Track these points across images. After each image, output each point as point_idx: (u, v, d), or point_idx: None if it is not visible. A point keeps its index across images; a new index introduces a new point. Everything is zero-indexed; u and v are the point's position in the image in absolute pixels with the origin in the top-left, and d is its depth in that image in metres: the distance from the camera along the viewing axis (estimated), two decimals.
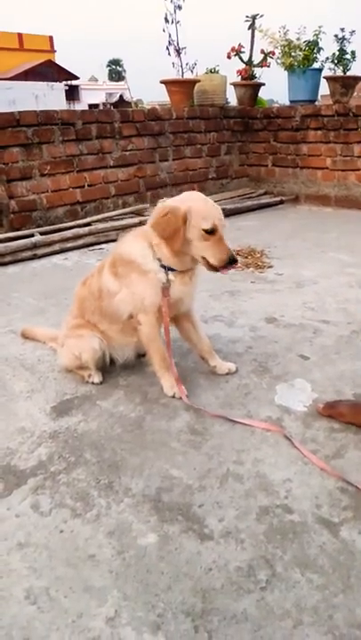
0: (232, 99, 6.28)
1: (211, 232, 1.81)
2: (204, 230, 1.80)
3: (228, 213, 5.38)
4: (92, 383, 2.15)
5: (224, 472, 1.62)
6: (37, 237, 4.15)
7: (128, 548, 1.34)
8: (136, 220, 4.69)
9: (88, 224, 4.52)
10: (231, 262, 1.86)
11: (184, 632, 1.12)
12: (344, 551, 1.31)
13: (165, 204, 1.89)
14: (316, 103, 5.94)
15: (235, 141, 6.17)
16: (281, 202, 5.95)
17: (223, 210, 5.45)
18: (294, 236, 4.61)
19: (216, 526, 1.40)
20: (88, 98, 26.84)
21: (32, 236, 4.18)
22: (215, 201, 6.20)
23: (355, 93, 5.78)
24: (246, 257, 4.01)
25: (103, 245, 4.37)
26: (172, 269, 1.93)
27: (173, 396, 2.03)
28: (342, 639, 1.10)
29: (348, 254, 4.01)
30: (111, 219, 4.72)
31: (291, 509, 1.45)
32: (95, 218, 4.63)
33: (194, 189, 5.78)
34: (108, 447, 1.76)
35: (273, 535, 1.36)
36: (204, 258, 1.87)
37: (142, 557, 1.31)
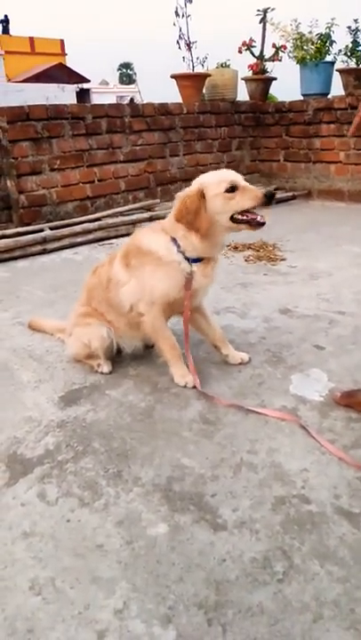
0: (243, 93, 6.21)
1: (232, 189, 1.77)
2: (225, 191, 1.76)
3: None
4: (102, 373, 2.10)
5: (238, 461, 1.55)
6: (47, 232, 4.11)
7: (137, 539, 1.28)
8: (146, 215, 4.64)
9: (98, 219, 4.48)
10: (269, 197, 1.77)
11: (197, 625, 1.06)
12: None
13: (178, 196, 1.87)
14: (329, 96, 5.84)
15: (246, 136, 6.10)
16: (293, 197, 5.87)
17: None
18: (307, 230, 4.53)
19: (230, 516, 1.34)
20: (99, 101, 26.91)
21: (42, 230, 4.14)
22: None
23: None
24: (258, 250, 3.94)
25: (113, 240, 4.32)
26: (195, 261, 1.88)
27: (185, 386, 1.96)
28: None
29: None
30: (121, 214, 4.67)
31: (308, 499, 1.38)
32: (105, 213, 4.59)
33: None
34: (118, 436, 1.70)
35: (290, 526, 1.29)
36: (238, 220, 1.81)
37: (152, 548, 1.25)
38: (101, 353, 2.08)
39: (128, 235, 4.40)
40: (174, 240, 1.87)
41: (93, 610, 1.10)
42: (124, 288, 1.98)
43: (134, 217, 4.57)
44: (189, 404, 1.87)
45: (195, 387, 1.94)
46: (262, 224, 1.83)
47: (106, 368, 2.11)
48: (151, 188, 5.23)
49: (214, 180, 1.80)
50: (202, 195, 1.77)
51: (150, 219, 4.60)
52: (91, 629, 1.06)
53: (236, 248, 4.01)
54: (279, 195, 5.85)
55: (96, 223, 4.35)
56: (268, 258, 3.74)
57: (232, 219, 1.81)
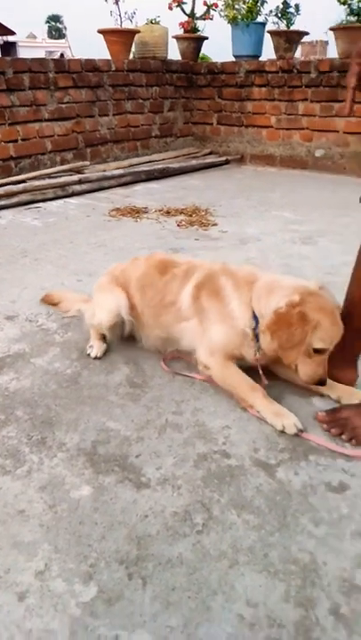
0: (175, 53, 6.05)
1: (319, 352, 1.53)
2: (315, 349, 1.51)
3: (173, 173, 5.27)
4: (89, 356, 1.93)
5: (163, 423, 1.58)
6: None
7: (60, 502, 1.28)
8: (75, 177, 4.48)
9: (23, 181, 4.27)
10: (321, 384, 1.58)
11: (117, 580, 1.08)
12: (280, 491, 1.30)
13: (293, 305, 1.50)
14: (261, 59, 5.81)
15: (178, 97, 5.99)
16: (226, 162, 5.87)
17: (168, 169, 5.30)
18: (239, 195, 4.57)
19: (153, 474, 1.36)
20: (26, 56, 25.28)
21: None
22: (160, 160, 6.02)
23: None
24: (190, 215, 3.94)
25: (40, 204, 4.16)
26: None
27: (283, 431, 1.51)
28: (277, 575, 1.09)
29: (291, 212, 4.02)
30: (48, 176, 4.48)
31: (228, 454, 1.43)
32: (31, 175, 4.38)
33: (136, 148, 5.63)
34: (42, 404, 1.68)
35: (210, 480, 1.34)
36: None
37: (75, 510, 1.26)
38: (105, 329, 1.89)
39: (56, 198, 4.26)
40: (256, 318, 1.62)
41: (14, 573, 1.10)
42: (184, 324, 1.77)
43: (62, 179, 4.40)
44: (117, 369, 1.87)
45: (300, 431, 1.51)
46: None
47: (96, 351, 1.92)
48: (80, 148, 5.04)
49: (329, 332, 1.50)
50: (311, 330, 1.48)
51: (80, 181, 4.45)
52: (11, 592, 1.06)
53: (168, 213, 3.99)
54: (212, 159, 5.84)
55: (20, 185, 4.15)
56: (200, 223, 3.75)
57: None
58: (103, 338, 1.97)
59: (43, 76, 4.57)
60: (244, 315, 1.64)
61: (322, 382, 1.56)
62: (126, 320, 1.90)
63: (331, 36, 5.23)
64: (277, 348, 1.54)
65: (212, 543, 1.16)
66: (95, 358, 1.93)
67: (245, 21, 5.55)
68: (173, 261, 1.90)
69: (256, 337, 1.64)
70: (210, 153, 6.14)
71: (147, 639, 0.97)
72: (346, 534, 1.18)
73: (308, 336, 1.48)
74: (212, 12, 5.84)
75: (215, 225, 3.71)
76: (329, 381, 1.68)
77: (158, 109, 5.79)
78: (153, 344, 1.93)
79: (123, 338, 1.98)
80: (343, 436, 1.47)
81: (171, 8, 5.81)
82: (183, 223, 3.74)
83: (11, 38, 25.61)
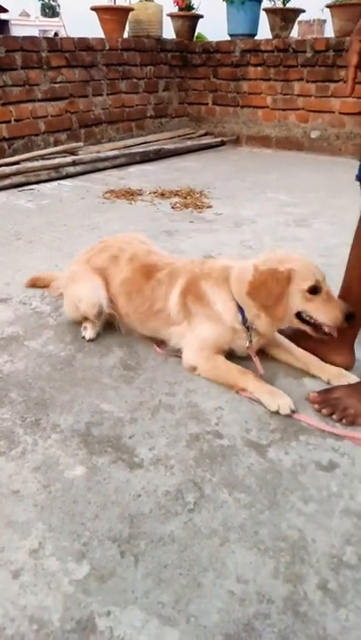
0: (169, 31, 5.94)
1: (315, 290, 1.55)
2: (308, 290, 1.54)
3: (168, 154, 5.22)
4: (84, 338, 1.94)
5: (156, 404, 1.59)
6: None
7: (54, 482, 1.30)
8: (69, 159, 4.43)
9: (16, 162, 4.22)
10: (348, 318, 1.54)
11: (110, 558, 1.10)
12: (271, 470, 1.32)
13: (258, 267, 1.59)
14: (256, 38, 5.72)
15: (173, 77, 5.90)
16: (222, 143, 5.81)
17: (162, 151, 5.25)
18: (234, 177, 4.53)
19: (146, 455, 1.38)
20: (19, 34, 24.76)
21: None
22: (154, 141, 5.96)
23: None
24: (185, 197, 3.91)
25: (34, 186, 4.12)
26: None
27: (278, 412, 1.52)
28: (267, 552, 1.11)
29: (286, 194, 4.00)
30: (42, 157, 4.43)
31: (221, 435, 1.45)
32: (24, 156, 4.33)
33: (131, 128, 5.56)
34: (36, 386, 1.68)
35: (202, 460, 1.36)
36: (303, 319, 1.61)
37: (69, 489, 1.27)
38: (93, 318, 1.91)
39: (50, 180, 4.22)
40: (241, 309, 1.65)
41: (8, 552, 1.11)
42: (174, 328, 1.79)
43: (56, 161, 4.35)
44: (111, 352, 1.88)
45: (292, 412, 1.52)
46: (328, 335, 1.60)
47: (90, 332, 1.94)
48: (74, 129, 4.98)
49: (304, 271, 1.55)
50: (289, 281, 1.54)
51: (74, 163, 4.41)
52: (5, 570, 1.07)
53: (162, 195, 3.96)
54: (207, 140, 5.78)
55: (14, 167, 4.10)
56: (195, 205, 3.72)
57: (298, 315, 1.61)
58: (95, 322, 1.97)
59: (35, 56, 4.49)
60: (229, 311, 1.68)
61: (348, 316, 1.53)
62: (105, 312, 1.92)
63: (328, 14, 5.14)
64: (262, 309, 1.59)
65: (204, 521, 1.18)
66: (89, 340, 1.93)
67: None
68: (155, 264, 1.89)
69: (247, 328, 1.67)
70: (205, 134, 6.08)
71: (138, 615, 0.99)
72: (335, 512, 1.20)
73: (286, 287, 1.54)
74: None
75: (210, 207, 3.68)
76: (320, 363, 1.70)
77: (153, 89, 5.71)
78: (130, 331, 1.96)
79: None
80: (334, 416, 1.48)
81: None
82: (178, 205, 3.71)
83: (3, 16, 25.05)
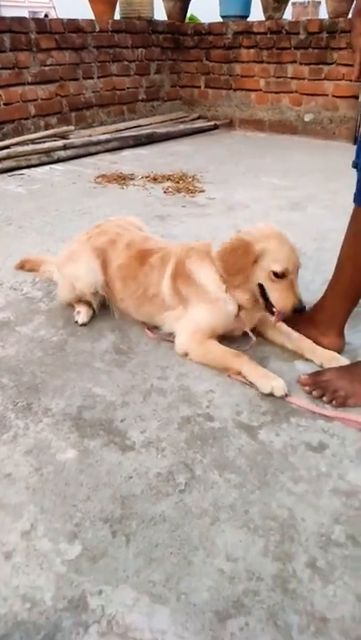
0: (161, 13, 5.84)
1: (281, 276, 1.57)
2: (273, 273, 1.56)
3: (161, 138, 5.17)
4: (77, 323, 1.94)
5: (148, 387, 1.59)
6: None
7: (46, 465, 1.30)
8: (60, 143, 4.38)
9: (6, 147, 4.17)
10: (297, 310, 1.58)
11: (102, 538, 1.11)
12: (262, 451, 1.33)
13: (240, 235, 1.65)
14: (249, 20, 5.63)
15: (165, 59, 5.82)
16: (215, 127, 5.76)
17: (155, 134, 5.18)
18: (227, 161, 4.50)
19: (138, 437, 1.39)
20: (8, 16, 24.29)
21: None
22: (147, 125, 5.91)
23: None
24: (178, 182, 3.88)
25: (25, 170, 4.07)
26: None
27: (271, 394, 1.53)
28: (257, 530, 1.13)
29: (280, 178, 3.98)
30: (32, 141, 4.37)
31: (212, 417, 1.45)
32: (14, 140, 4.27)
33: (123, 112, 5.50)
34: (27, 371, 1.68)
35: (194, 442, 1.37)
36: (263, 294, 1.64)
37: (61, 472, 1.28)
38: (89, 297, 1.93)
39: (41, 164, 4.18)
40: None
41: (0, 534, 1.12)
42: (169, 313, 1.80)
43: (47, 145, 4.30)
44: (103, 336, 1.87)
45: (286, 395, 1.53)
46: (273, 315, 1.64)
47: (83, 317, 1.94)
48: (64, 113, 4.91)
49: (275, 254, 1.56)
50: (256, 260, 1.57)
51: (65, 147, 4.36)
52: None
53: (155, 179, 3.93)
54: (200, 124, 5.73)
55: (4, 151, 4.05)
56: (187, 189, 3.70)
57: (260, 285, 1.62)
58: (89, 304, 1.97)
59: (24, 37, 4.41)
60: (212, 282, 1.70)
61: (297, 308, 1.58)
62: (100, 293, 1.94)
63: None
64: (224, 274, 1.65)
65: (194, 501, 1.19)
66: (82, 325, 1.93)
67: None
68: (149, 249, 1.89)
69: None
70: (198, 117, 6.02)
71: (130, 593, 1.01)
72: (324, 491, 1.22)
73: (251, 263, 1.57)
74: None
75: (203, 192, 3.66)
76: (312, 346, 1.70)
77: (144, 72, 5.63)
78: (123, 314, 1.97)
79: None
80: (324, 398, 1.49)
81: None
82: (170, 190, 3.69)
83: None
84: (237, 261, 1.60)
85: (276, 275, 1.56)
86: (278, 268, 1.55)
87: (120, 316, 1.96)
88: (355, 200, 1.56)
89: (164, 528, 1.13)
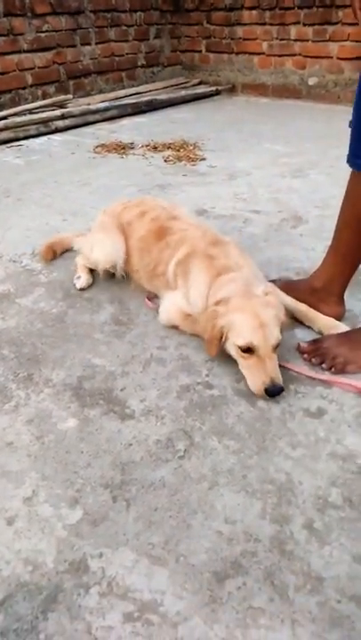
0: None
1: (247, 350, 1.41)
2: (239, 347, 1.42)
3: (161, 105, 5.05)
4: (74, 287, 1.99)
5: (147, 357, 1.60)
6: None
7: (47, 434, 1.32)
8: (58, 112, 4.30)
9: (3, 118, 4.09)
10: (269, 393, 1.37)
11: (102, 503, 1.13)
12: (260, 418, 1.34)
13: (216, 308, 1.48)
14: None
15: (165, 23, 5.64)
16: (217, 92, 5.62)
17: (155, 102, 5.04)
18: (229, 128, 4.40)
19: (137, 406, 1.40)
20: None
21: None
22: (146, 92, 5.72)
23: None
24: (178, 150, 3.81)
25: (23, 141, 4.01)
26: None
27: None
28: (255, 494, 1.14)
29: (282, 145, 3.89)
30: (30, 111, 4.29)
31: (211, 385, 1.46)
32: (11, 111, 4.19)
33: (122, 79, 5.36)
34: (28, 342, 1.69)
35: (193, 409, 1.38)
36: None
37: (62, 440, 1.30)
38: (100, 270, 1.96)
39: (39, 135, 4.10)
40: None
41: (2, 500, 1.14)
42: (170, 292, 1.76)
43: (45, 115, 4.21)
44: (102, 308, 1.87)
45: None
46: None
47: (83, 282, 1.98)
48: (62, 81, 4.80)
49: (242, 327, 1.40)
50: (221, 336, 1.45)
51: (63, 116, 4.27)
52: (1, 518, 1.11)
53: (155, 148, 3.86)
54: (202, 90, 5.59)
55: (1, 122, 3.98)
56: (188, 158, 3.63)
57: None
58: (91, 270, 1.99)
59: (18, 2, 4.27)
60: (196, 299, 1.62)
61: (269, 389, 1.36)
62: (119, 269, 1.95)
63: None
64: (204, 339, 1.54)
65: (193, 467, 1.21)
66: (81, 289, 1.96)
67: None
68: (170, 228, 1.83)
69: None
70: (200, 83, 5.86)
71: (129, 556, 1.03)
72: (322, 455, 1.23)
73: (218, 338, 1.45)
74: None
75: (204, 160, 3.59)
76: (312, 313, 1.69)
77: (144, 37, 5.47)
78: (138, 285, 1.97)
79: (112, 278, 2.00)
80: (323, 365, 1.49)
81: None
82: (170, 158, 3.62)
83: None
84: (207, 331, 1.48)
85: (244, 350, 1.41)
86: (241, 342, 1.40)
87: (135, 288, 1.95)
88: (348, 161, 1.52)
89: (164, 493, 1.15)
